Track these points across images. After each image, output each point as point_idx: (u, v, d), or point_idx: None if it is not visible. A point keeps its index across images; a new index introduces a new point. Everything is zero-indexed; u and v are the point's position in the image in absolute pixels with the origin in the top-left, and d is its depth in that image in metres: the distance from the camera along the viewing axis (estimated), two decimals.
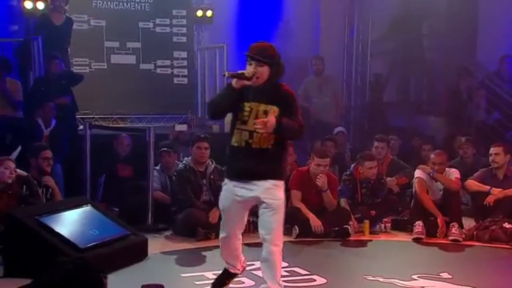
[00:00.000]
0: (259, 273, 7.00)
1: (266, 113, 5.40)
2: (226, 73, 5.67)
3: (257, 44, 5.66)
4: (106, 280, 2.81)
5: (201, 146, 8.93)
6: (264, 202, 5.49)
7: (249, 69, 5.47)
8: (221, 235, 6.08)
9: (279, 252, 5.55)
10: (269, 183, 5.50)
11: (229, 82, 5.55)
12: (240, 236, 6.07)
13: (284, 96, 5.55)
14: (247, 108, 5.48)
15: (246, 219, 6.06)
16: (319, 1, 13.39)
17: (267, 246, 5.53)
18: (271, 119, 5.23)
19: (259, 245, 8.30)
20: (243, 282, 6.85)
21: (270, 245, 5.52)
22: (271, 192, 5.49)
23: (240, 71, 5.50)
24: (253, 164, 5.48)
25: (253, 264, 7.27)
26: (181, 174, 8.96)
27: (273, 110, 5.40)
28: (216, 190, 8.82)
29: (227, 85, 5.61)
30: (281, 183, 5.62)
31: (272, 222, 5.50)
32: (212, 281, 6.69)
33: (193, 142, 9.03)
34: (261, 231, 5.58)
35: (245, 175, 5.55)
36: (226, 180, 5.81)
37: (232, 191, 5.67)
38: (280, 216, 5.55)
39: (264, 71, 5.46)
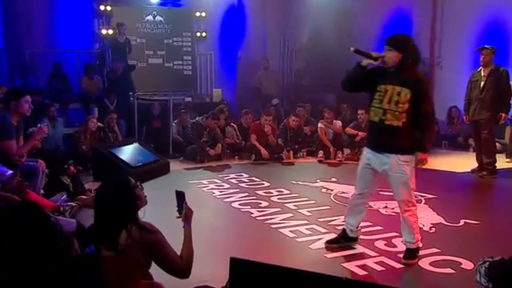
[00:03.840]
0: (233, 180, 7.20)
1: (399, 94, 3.79)
2: (352, 48, 3.93)
3: (393, 34, 3.94)
4: (142, 191, 2.61)
5: (212, 122, 8.80)
6: (393, 177, 3.91)
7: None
8: (353, 192, 4.34)
9: (412, 215, 3.98)
10: (398, 158, 3.85)
11: (358, 61, 3.95)
12: (366, 200, 4.23)
13: (415, 81, 3.79)
14: (382, 89, 3.85)
15: (374, 187, 4.19)
16: (265, 24, 13.22)
17: (401, 213, 4.02)
18: (422, 157, 3.86)
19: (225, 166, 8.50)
20: (223, 185, 6.81)
21: (402, 213, 4.00)
22: (400, 168, 3.86)
23: (368, 51, 3.94)
24: (384, 138, 3.89)
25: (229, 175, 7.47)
26: (193, 125, 8.91)
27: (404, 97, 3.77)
28: (211, 136, 8.83)
29: (356, 63, 3.97)
30: (409, 158, 3.86)
31: (401, 194, 3.93)
32: (206, 185, 6.76)
33: (214, 117, 8.84)
34: (396, 198, 4.04)
35: (378, 147, 3.97)
36: (365, 148, 4.20)
37: (365, 158, 4.09)
38: (407, 188, 3.92)
39: (392, 55, 3.80)
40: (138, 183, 2.60)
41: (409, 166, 3.87)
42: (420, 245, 4.06)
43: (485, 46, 7.20)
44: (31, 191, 4.53)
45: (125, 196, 2.47)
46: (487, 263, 2.25)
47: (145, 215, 2.56)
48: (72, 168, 5.85)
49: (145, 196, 2.61)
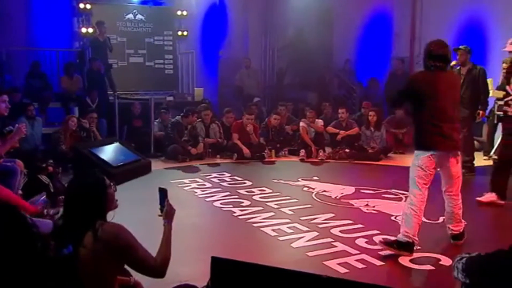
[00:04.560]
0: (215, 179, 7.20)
1: None
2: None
3: None
4: (112, 188, 2.53)
5: (193, 117, 8.89)
6: None
7: None
8: None
9: (409, 203, 4.09)
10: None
11: None
12: (445, 196, 4.30)
13: None
14: None
15: (443, 182, 4.24)
16: (247, 23, 13.24)
17: None
18: None
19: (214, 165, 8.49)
20: (205, 185, 6.81)
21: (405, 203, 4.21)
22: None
23: None
24: None
25: (211, 174, 7.43)
26: (173, 124, 8.88)
27: None
28: (193, 136, 8.84)
29: None
30: (417, 153, 4.06)
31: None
32: (187, 185, 6.74)
33: (193, 112, 8.93)
34: None
35: None
36: None
37: None
38: (409, 177, 4.11)
39: None
40: (112, 184, 2.52)
41: (416, 159, 4.05)
42: (410, 241, 4.04)
43: (460, 46, 7.30)
44: (9, 191, 4.44)
45: (97, 195, 2.40)
46: (464, 259, 2.28)
47: (113, 217, 2.49)
48: (50, 167, 5.75)
49: (116, 200, 2.54)
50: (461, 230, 4.34)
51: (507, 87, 5.69)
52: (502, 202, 5.60)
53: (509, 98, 5.59)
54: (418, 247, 4.24)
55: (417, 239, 4.07)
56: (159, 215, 2.69)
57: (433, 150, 4.01)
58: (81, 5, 10.56)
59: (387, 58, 11.54)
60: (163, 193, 2.72)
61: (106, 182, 2.48)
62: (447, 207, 4.34)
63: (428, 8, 10.91)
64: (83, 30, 10.53)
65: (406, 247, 4.04)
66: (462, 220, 4.36)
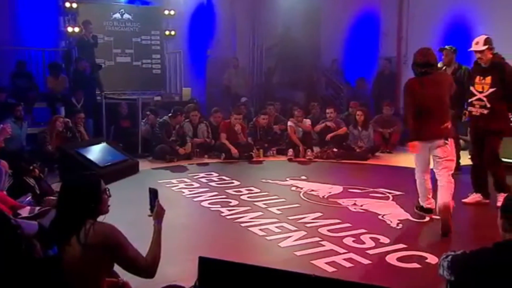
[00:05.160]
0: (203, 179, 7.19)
1: None
2: None
3: None
4: (107, 194, 2.57)
5: (181, 117, 8.87)
6: None
7: None
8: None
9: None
10: None
11: None
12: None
13: None
14: None
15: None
16: (235, 22, 13.21)
17: None
18: None
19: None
20: (192, 185, 6.80)
21: None
22: None
23: None
24: None
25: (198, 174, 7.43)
26: (161, 124, 8.83)
27: None
28: (180, 136, 8.83)
29: None
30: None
31: None
32: (175, 185, 6.73)
33: (181, 112, 8.94)
34: None
35: None
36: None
37: None
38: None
39: None
40: (107, 189, 2.56)
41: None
42: (428, 206, 5.04)
43: (445, 46, 7.34)
44: None
45: (91, 197, 2.43)
46: (450, 256, 2.31)
47: (104, 218, 2.52)
48: (37, 171, 5.70)
49: (108, 206, 2.57)
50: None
51: (472, 88, 5.75)
52: (487, 200, 5.67)
53: (474, 98, 5.66)
54: (405, 246, 4.28)
55: (428, 202, 5.05)
56: (149, 215, 2.70)
57: (421, 140, 4.71)
58: (67, 4, 10.44)
59: (375, 58, 11.61)
60: (153, 194, 2.73)
61: (102, 185, 2.52)
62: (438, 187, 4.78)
63: (414, 8, 11.00)
64: (69, 29, 10.42)
65: (423, 210, 5.10)
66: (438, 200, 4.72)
